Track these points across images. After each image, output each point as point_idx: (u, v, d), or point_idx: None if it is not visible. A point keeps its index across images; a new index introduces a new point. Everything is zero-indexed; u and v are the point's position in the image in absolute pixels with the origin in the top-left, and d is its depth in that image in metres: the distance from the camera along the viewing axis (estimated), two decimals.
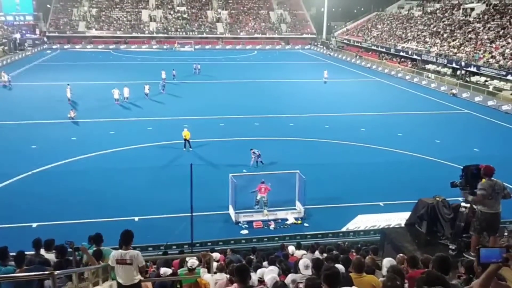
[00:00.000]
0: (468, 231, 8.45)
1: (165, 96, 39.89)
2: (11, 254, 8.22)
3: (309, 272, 6.98)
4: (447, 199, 10.83)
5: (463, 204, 8.65)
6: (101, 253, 7.59)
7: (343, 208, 19.07)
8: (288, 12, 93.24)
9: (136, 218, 17.56)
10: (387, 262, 7.08)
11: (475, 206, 8.07)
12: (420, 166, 23.91)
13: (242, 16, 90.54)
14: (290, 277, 6.80)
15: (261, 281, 6.75)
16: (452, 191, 12.98)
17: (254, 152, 22.93)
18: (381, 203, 19.34)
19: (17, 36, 73.29)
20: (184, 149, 25.53)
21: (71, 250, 8.03)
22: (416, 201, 12.22)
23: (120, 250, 6.71)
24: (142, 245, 13.90)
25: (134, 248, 7.14)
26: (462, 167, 8.57)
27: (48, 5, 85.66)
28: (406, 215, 14.99)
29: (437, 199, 9.70)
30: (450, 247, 9.05)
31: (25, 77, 45.49)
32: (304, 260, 7.51)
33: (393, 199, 19.46)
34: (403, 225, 12.04)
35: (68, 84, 37.78)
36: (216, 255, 10.81)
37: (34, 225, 16.75)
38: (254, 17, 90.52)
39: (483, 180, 7.88)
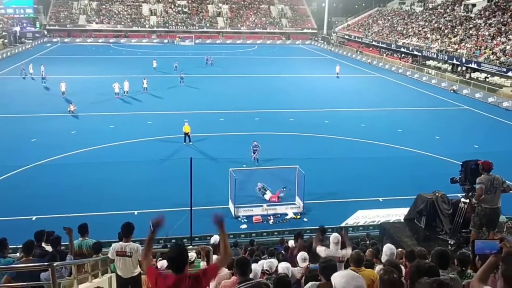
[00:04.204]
0: (468, 226, 8.46)
1: (165, 90, 39.81)
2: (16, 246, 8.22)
3: (307, 264, 7.04)
4: (446, 194, 10.84)
5: (462, 199, 8.66)
6: (100, 246, 7.58)
7: (343, 203, 19.09)
8: (289, 7, 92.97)
9: (136, 212, 17.57)
10: (387, 249, 7.10)
11: (474, 200, 8.07)
12: (420, 162, 23.92)
13: (243, 10, 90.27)
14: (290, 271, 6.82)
15: (263, 272, 6.78)
16: (451, 187, 13.00)
17: (255, 146, 22.88)
18: (380, 199, 19.37)
19: (17, 29, 73.05)
20: (184, 143, 25.52)
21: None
22: (415, 196, 12.22)
23: (120, 242, 6.71)
24: (142, 238, 13.87)
25: (134, 242, 7.15)
26: (461, 163, 8.57)
27: None
28: (405, 210, 15.01)
29: (437, 194, 9.72)
30: (449, 242, 9.05)
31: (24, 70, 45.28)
32: (302, 253, 7.59)
33: (393, 194, 19.48)
34: (402, 220, 12.06)
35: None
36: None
37: (33, 218, 16.77)
38: (255, 12, 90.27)
39: (482, 175, 7.88)
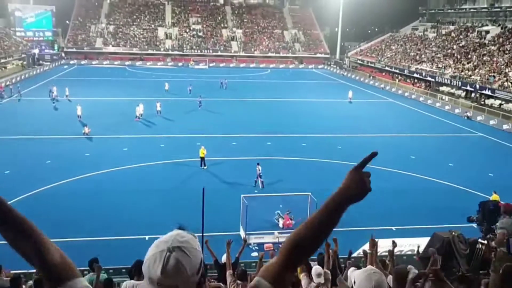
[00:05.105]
0: (485, 268, 8.26)
1: (178, 113, 40.13)
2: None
3: (321, 280, 6.95)
4: (460, 225, 10.66)
5: (480, 240, 8.52)
6: (111, 283, 7.51)
7: (355, 231, 18.83)
8: (302, 31, 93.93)
9: (147, 237, 17.53)
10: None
11: (494, 245, 7.90)
12: (433, 190, 23.63)
13: (257, 35, 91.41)
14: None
15: None
16: (465, 216, 12.81)
17: (259, 170, 22.99)
18: (393, 228, 19.11)
19: (36, 51, 74.72)
20: (201, 167, 25.61)
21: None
22: (428, 226, 12.02)
23: (131, 281, 6.67)
24: None
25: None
26: (478, 203, 8.45)
27: (67, 21, 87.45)
28: (418, 240, 14.82)
29: (453, 233, 9.55)
30: None
31: (42, 92, 46.12)
32: (316, 267, 7.52)
33: (405, 223, 19.25)
34: (415, 251, 11.86)
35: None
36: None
37: None
38: (269, 36, 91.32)
39: (504, 219, 7.72)
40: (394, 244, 8.46)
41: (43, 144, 29.71)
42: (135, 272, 6.83)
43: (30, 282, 8.03)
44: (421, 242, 13.46)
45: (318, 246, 1.92)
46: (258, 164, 23.34)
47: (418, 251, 12.12)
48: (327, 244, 8.66)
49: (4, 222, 1.71)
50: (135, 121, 36.51)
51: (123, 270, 12.90)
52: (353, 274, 3.48)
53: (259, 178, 22.91)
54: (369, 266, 3.58)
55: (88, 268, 8.74)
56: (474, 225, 11.01)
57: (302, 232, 1.84)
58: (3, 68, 62.73)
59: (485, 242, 8.36)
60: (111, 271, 13.19)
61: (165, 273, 1.63)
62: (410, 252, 16.18)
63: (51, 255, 1.74)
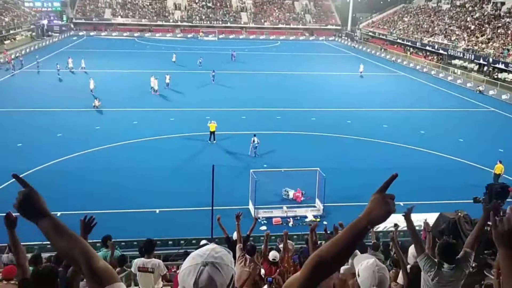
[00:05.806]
0: (490, 247, 8.33)
1: (188, 86, 40.00)
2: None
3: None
4: (468, 201, 10.67)
5: None
6: (125, 259, 7.72)
7: (363, 206, 18.96)
8: (313, 2, 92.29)
9: (157, 210, 17.86)
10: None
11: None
12: (442, 166, 23.59)
13: (267, 6, 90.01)
14: None
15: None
16: (472, 192, 12.87)
17: (253, 141, 23.17)
18: (401, 203, 19.10)
19: (45, 22, 74.41)
20: (209, 141, 25.73)
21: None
22: (437, 202, 12.05)
23: (142, 258, 6.87)
24: (163, 238, 14.15)
25: (156, 243, 7.29)
26: (485, 186, 8.46)
27: None
28: (426, 216, 14.92)
29: (459, 214, 9.59)
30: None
31: (51, 64, 46.05)
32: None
33: (414, 199, 19.23)
34: (422, 227, 11.97)
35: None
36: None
37: (58, 213, 17.15)
38: (279, 7, 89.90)
39: None
40: (396, 227, 8.50)
41: (55, 116, 29.94)
42: (145, 250, 7.01)
43: (44, 256, 8.23)
44: (429, 218, 13.59)
45: (341, 264, 2.03)
46: (254, 135, 23.53)
47: (426, 222, 12.18)
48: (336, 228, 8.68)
49: (61, 234, 2.00)
50: (153, 94, 36.43)
51: (135, 243, 13.22)
52: (359, 267, 3.48)
53: (252, 148, 23.21)
54: (373, 260, 3.49)
55: (101, 242, 8.96)
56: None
57: (327, 249, 1.94)
58: (12, 40, 62.71)
59: (490, 223, 8.41)
60: (123, 243, 13.53)
61: (197, 286, 1.76)
62: (417, 228, 16.35)
63: (97, 262, 1.98)
